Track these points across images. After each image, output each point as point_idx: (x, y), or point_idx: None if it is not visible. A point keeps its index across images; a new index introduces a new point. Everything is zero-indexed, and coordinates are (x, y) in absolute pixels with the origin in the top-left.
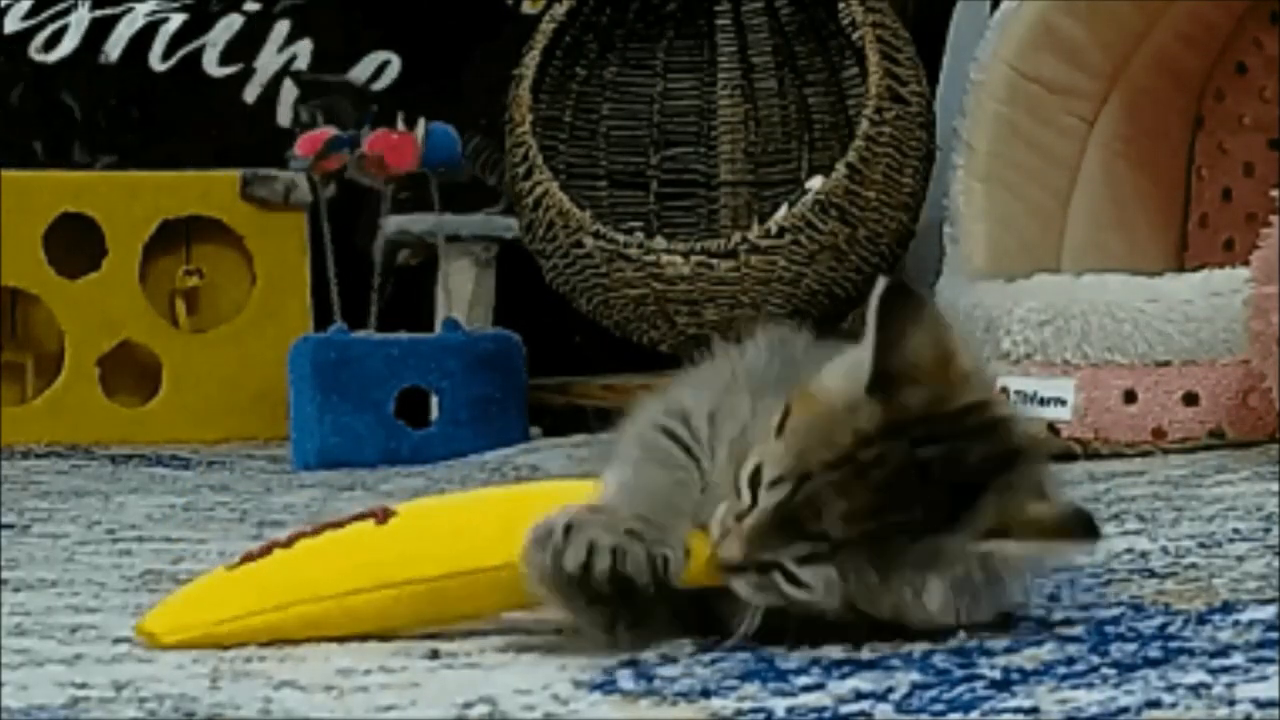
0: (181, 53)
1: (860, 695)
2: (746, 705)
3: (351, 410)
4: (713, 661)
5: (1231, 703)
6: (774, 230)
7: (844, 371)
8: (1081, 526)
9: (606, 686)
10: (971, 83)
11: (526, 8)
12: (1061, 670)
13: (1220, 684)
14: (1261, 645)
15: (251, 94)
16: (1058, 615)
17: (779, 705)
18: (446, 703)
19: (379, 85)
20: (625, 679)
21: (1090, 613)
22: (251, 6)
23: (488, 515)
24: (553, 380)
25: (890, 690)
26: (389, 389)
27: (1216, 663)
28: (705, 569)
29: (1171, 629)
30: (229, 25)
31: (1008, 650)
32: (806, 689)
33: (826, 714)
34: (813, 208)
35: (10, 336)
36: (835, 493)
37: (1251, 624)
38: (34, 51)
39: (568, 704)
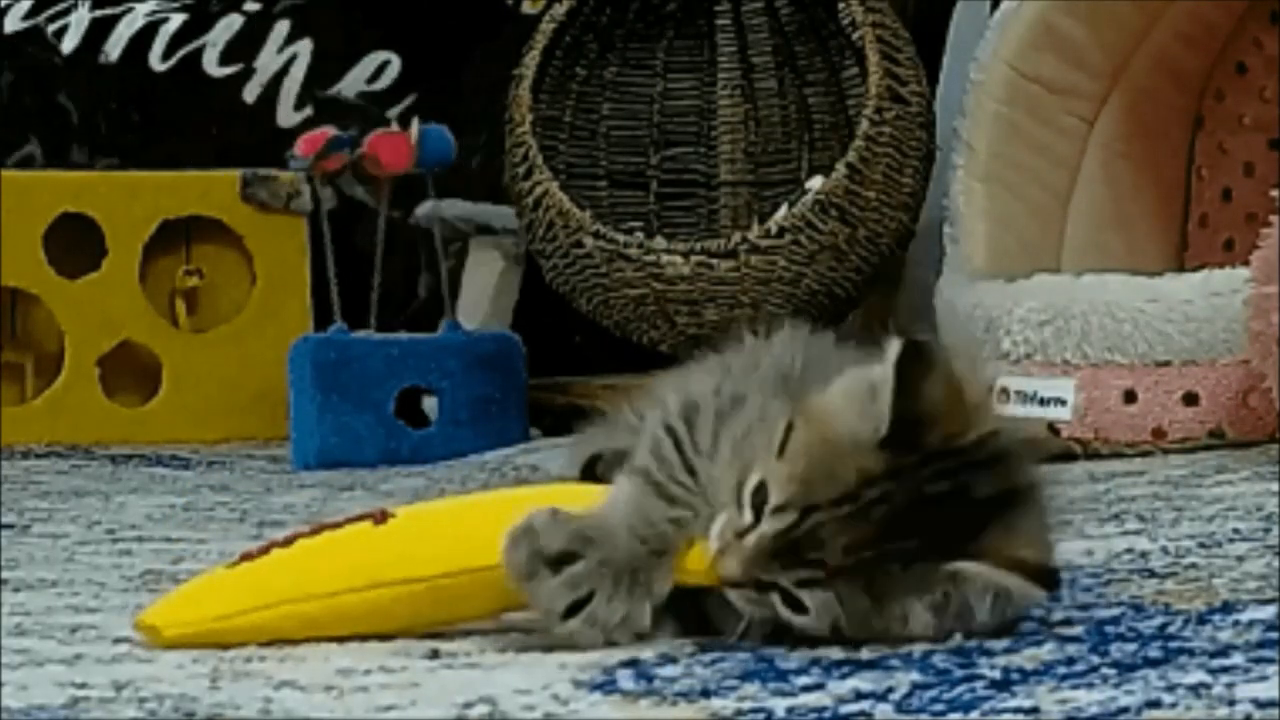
0: (181, 53)
1: (860, 695)
2: (746, 705)
3: (351, 410)
4: (713, 661)
5: (1231, 703)
6: (774, 230)
7: (847, 393)
8: (1045, 575)
9: (606, 686)
10: (971, 83)
11: (526, 8)
12: (1061, 670)
13: (1220, 684)
14: (1261, 645)
15: (251, 94)
16: (1058, 615)
17: (779, 705)
18: (446, 703)
19: (379, 85)
20: (625, 679)
21: (1090, 613)
22: (251, 6)
23: (487, 516)
24: (553, 380)
25: (890, 690)
26: (389, 389)
27: (1216, 663)
28: (705, 570)
29: (1171, 629)
30: (229, 25)
31: (1008, 650)
32: (806, 689)
33: (826, 714)
34: (813, 208)
35: (10, 336)
36: (839, 527)
37: (1251, 624)
38: (34, 51)
39: (568, 704)
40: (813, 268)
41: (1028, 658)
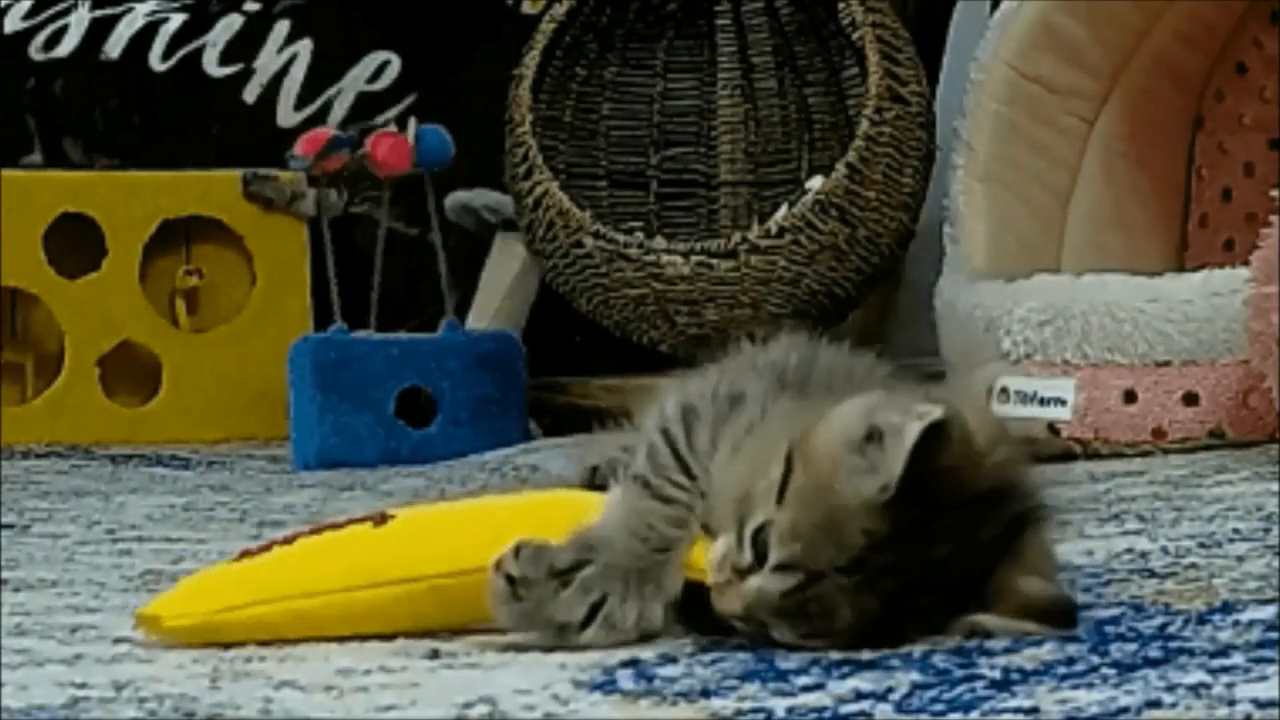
0: (181, 53)
1: (860, 695)
2: (746, 705)
3: (351, 410)
4: (713, 661)
5: (1231, 703)
6: (774, 230)
7: (847, 437)
8: (1062, 616)
9: (606, 686)
10: (971, 83)
11: (526, 8)
12: (1061, 670)
13: (1220, 684)
14: (1261, 645)
15: (251, 94)
16: None
17: (779, 705)
18: (446, 703)
19: (379, 85)
20: (625, 679)
21: (1090, 613)
22: (251, 6)
23: (486, 518)
24: (553, 380)
25: (890, 690)
26: (389, 389)
27: (1216, 663)
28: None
29: (1171, 629)
30: (229, 25)
31: (1008, 650)
32: (806, 689)
33: (826, 714)
34: (813, 208)
35: (10, 336)
36: (846, 597)
37: (1251, 624)
38: (34, 51)
39: (568, 704)
40: (813, 268)
41: (1028, 658)
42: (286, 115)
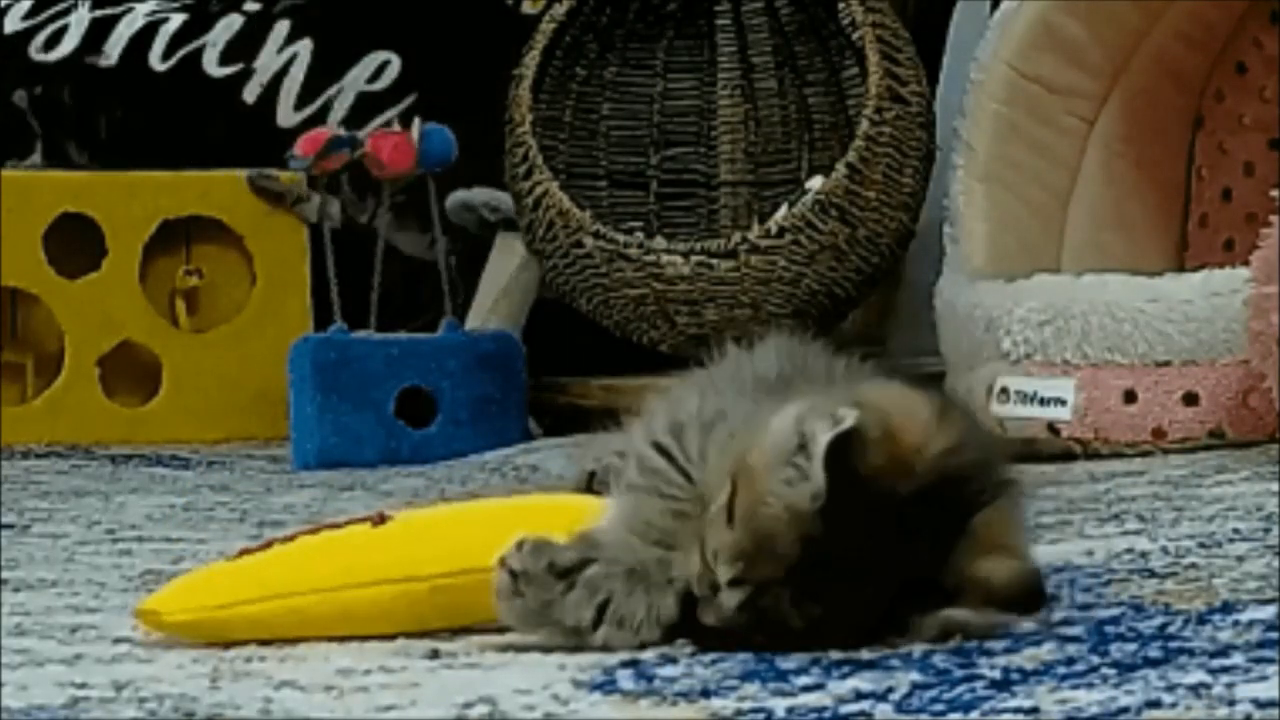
0: (181, 53)
1: (860, 695)
2: (746, 705)
3: (351, 410)
4: (713, 661)
5: (1231, 703)
6: (774, 230)
7: (776, 448)
8: (1028, 598)
9: (606, 686)
10: (971, 83)
11: (526, 8)
12: (1061, 670)
13: (1220, 684)
14: (1261, 645)
15: (251, 94)
16: (1058, 615)
17: (779, 705)
18: (446, 703)
19: (379, 85)
20: (625, 679)
21: (1090, 613)
22: (251, 6)
23: (486, 519)
24: (553, 380)
25: (890, 690)
26: (389, 389)
27: (1216, 663)
28: None
29: (1171, 629)
30: (229, 25)
31: (1008, 650)
32: (806, 689)
33: (826, 714)
34: (813, 208)
35: (10, 336)
36: (797, 599)
37: (1251, 624)
38: (34, 51)
39: (568, 704)
40: (813, 268)
41: (1028, 658)
42: (286, 115)
